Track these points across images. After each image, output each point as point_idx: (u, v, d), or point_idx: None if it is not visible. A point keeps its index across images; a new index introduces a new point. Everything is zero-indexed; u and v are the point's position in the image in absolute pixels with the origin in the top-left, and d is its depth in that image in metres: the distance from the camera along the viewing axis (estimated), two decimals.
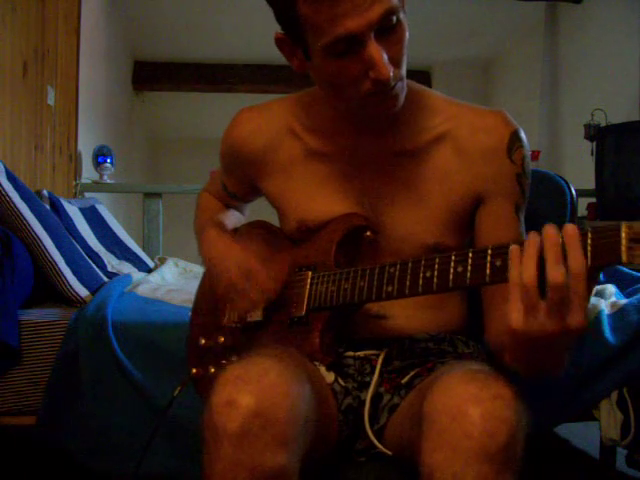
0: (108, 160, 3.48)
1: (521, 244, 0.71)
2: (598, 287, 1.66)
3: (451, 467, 0.70)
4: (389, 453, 0.92)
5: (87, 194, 3.34)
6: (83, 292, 1.76)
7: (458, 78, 5.73)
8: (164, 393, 1.43)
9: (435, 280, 0.79)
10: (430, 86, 5.54)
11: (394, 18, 0.82)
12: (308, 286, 0.96)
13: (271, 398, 0.74)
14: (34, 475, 1.73)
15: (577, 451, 2.08)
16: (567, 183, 1.43)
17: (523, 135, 0.97)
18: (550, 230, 0.68)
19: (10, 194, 1.75)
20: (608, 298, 1.57)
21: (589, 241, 0.66)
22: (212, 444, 0.73)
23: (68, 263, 1.79)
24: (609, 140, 3.26)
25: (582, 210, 3.40)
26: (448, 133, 0.97)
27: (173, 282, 2.24)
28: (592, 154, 3.65)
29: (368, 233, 0.99)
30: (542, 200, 1.30)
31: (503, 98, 5.61)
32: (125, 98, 5.30)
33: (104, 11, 4.04)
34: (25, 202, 1.79)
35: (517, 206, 0.96)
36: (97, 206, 2.70)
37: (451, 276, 0.77)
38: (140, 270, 2.42)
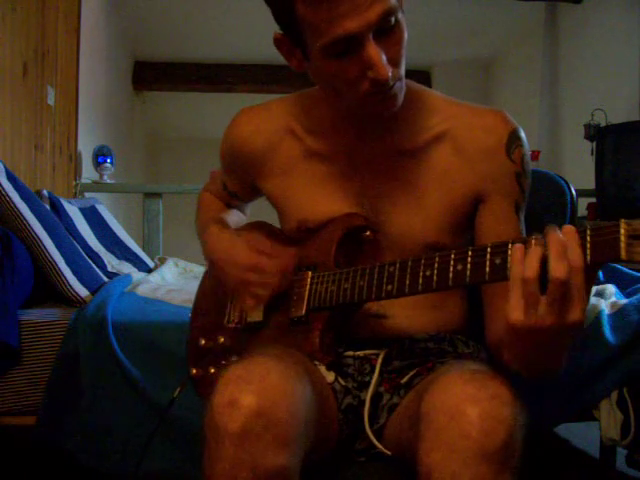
0: (108, 160, 3.49)
1: (523, 241, 0.71)
2: (598, 287, 1.66)
3: (449, 467, 0.70)
4: (388, 453, 0.92)
5: (87, 194, 3.34)
6: (83, 292, 1.76)
7: (458, 78, 5.73)
8: (164, 393, 1.43)
9: (435, 278, 0.79)
10: (430, 86, 5.54)
11: (392, 19, 0.82)
12: (308, 286, 0.96)
13: (272, 398, 0.74)
14: (34, 475, 1.73)
15: (577, 451, 2.08)
16: (567, 183, 1.43)
17: (522, 134, 0.97)
18: (552, 230, 0.69)
19: (10, 194, 1.75)
20: (608, 298, 1.57)
21: (588, 238, 0.66)
22: (213, 444, 0.73)
23: (68, 263, 1.79)
24: (609, 140, 3.26)
25: (582, 210, 3.40)
26: (447, 132, 0.97)
27: (173, 282, 2.24)
28: (592, 154, 3.65)
29: (368, 233, 0.99)
30: (542, 200, 1.30)
31: (503, 98, 5.61)
32: (125, 98, 5.30)
33: (104, 11, 4.04)
34: (25, 202, 1.79)
35: (517, 205, 0.97)
36: (97, 206, 2.70)
37: (451, 274, 0.78)
38: (140, 270, 2.42)
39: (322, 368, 0.97)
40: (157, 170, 7.59)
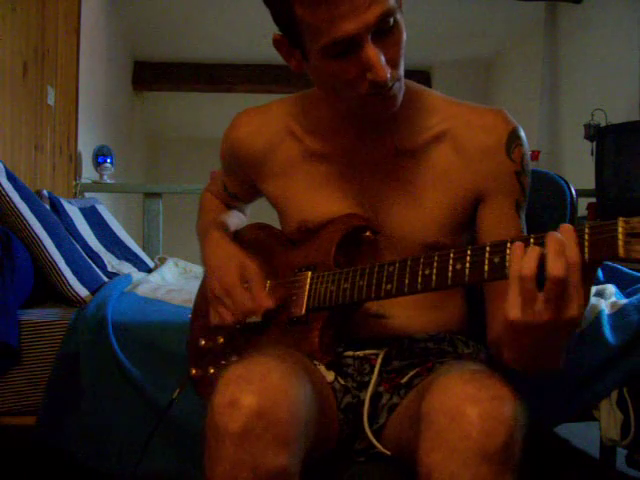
0: (108, 160, 3.49)
1: (522, 240, 0.71)
2: (598, 287, 1.66)
3: (449, 467, 0.70)
4: (388, 453, 0.93)
5: (87, 194, 3.34)
6: (83, 292, 1.76)
7: (458, 78, 5.73)
8: (164, 393, 1.43)
9: (434, 278, 0.80)
10: (430, 86, 5.54)
11: (391, 20, 0.82)
12: (308, 286, 0.97)
13: (273, 398, 0.74)
14: (34, 475, 1.73)
15: (577, 451, 2.08)
16: (567, 183, 1.43)
17: (522, 133, 0.97)
18: (551, 231, 0.69)
19: (10, 194, 1.75)
20: (608, 298, 1.57)
21: (586, 236, 0.67)
22: (214, 444, 0.73)
23: (68, 263, 1.79)
24: (609, 140, 3.25)
25: (582, 210, 3.40)
26: (447, 132, 0.97)
27: (173, 282, 2.24)
28: (592, 154, 3.65)
29: (368, 233, 0.99)
30: (542, 200, 1.30)
31: (503, 98, 5.61)
32: (125, 98, 5.30)
33: (104, 11, 4.04)
34: (25, 202, 1.79)
35: (517, 204, 0.97)
36: (97, 206, 2.70)
37: (450, 273, 0.78)
38: (140, 270, 2.42)
39: (322, 367, 0.97)
40: (157, 170, 7.59)
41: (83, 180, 3.43)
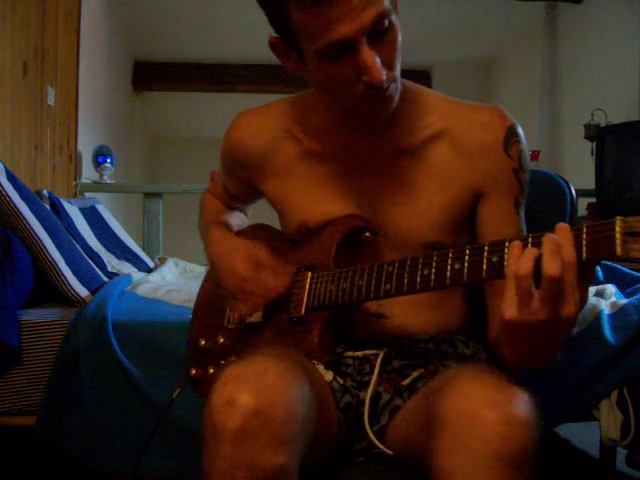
0: (108, 160, 3.49)
1: (520, 239, 0.72)
2: (598, 287, 1.66)
3: (467, 470, 0.70)
4: (390, 453, 0.93)
5: (87, 194, 3.34)
6: (83, 292, 1.76)
7: (458, 78, 5.73)
8: (164, 393, 1.42)
9: (433, 277, 0.80)
10: (430, 86, 5.54)
11: (386, 21, 0.83)
12: (307, 286, 0.97)
13: (270, 397, 0.74)
14: (34, 475, 1.73)
15: (577, 451, 2.08)
16: (567, 183, 1.43)
17: (520, 130, 0.97)
18: (548, 231, 0.70)
19: (10, 194, 1.75)
20: (608, 298, 1.57)
21: (584, 235, 0.67)
22: (211, 443, 0.74)
23: (68, 263, 1.79)
24: (609, 140, 3.25)
25: (582, 210, 3.40)
26: (445, 130, 0.97)
27: (173, 282, 2.24)
28: (592, 154, 3.65)
29: (367, 234, 0.99)
30: (542, 200, 1.30)
31: (503, 98, 5.61)
32: (125, 98, 5.30)
33: (104, 11, 4.04)
34: (25, 202, 1.79)
35: (516, 201, 0.97)
36: (97, 206, 2.71)
37: (448, 273, 0.78)
38: (140, 270, 2.43)
39: (320, 367, 0.97)
40: (157, 170, 7.59)
41: (83, 180, 3.43)
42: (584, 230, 0.67)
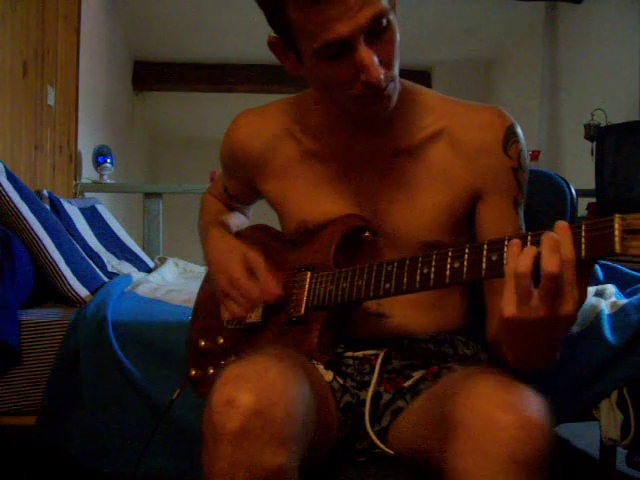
0: (108, 160, 3.48)
1: (519, 238, 0.72)
2: (598, 287, 1.66)
3: (482, 473, 0.70)
4: (391, 452, 0.93)
5: (87, 194, 3.34)
6: (83, 292, 1.76)
7: (458, 78, 5.73)
8: (164, 393, 1.43)
9: (432, 276, 0.80)
10: (430, 86, 5.54)
11: (384, 21, 0.83)
12: (307, 286, 0.97)
13: (271, 397, 0.74)
14: (34, 475, 1.73)
15: (577, 451, 2.08)
16: (567, 183, 1.43)
17: (519, 129, 0.97)
18: (547, 230, 0.70)
19: (10, 194, 1.75)
20: (608, 298, 1.57)
21: (583, 233, 0.67)
22: (211, 443, 0.73)
23: (68, 263, 1.79)
24: (609, 140, 3.25)
25: (582, 210, 3.40)
26: (444, 130, 0.97)
27: (173, 282, 2.24)
28: (592, 154, 3.65)
29: (367, 234, 0.99)
30: (542, 200, 1.31)
31: (503, 98, 5.61)
32: (125, 98, 5.30)
33: (104, 11, 4.04)
34: (25, 202, 1.79)
35: (515, 200, 0.97)
36: (97, 206, 2.70)
37: (448, 272, 0.78)
38: (140, 270, 2.42)
39: (320, 367, 0.97)
40: (157, 170, 7.59)
41: (83, 180, 3.43)
42: (583, 228, 0.67)
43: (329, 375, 0.97)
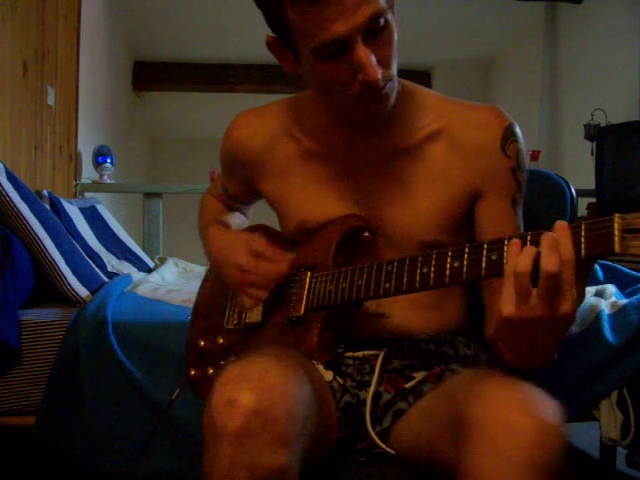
0: (108, 160, 3.49)
1: (519, 237, 0.72)
2: (598, 287, 1.66)
3: (499, 476, 0.70)
4: (392, 452, 0.93)
5: (87, 194, 3.34)
6: (83, 292, 1.76)
7: (458, 78, 5.73)
8: (164, 393, 1.43)
9: (432, 275, 0.80)
10: (430, 86, 5.54)
11: (381, 20, 0.83)
12: (307, 286, 0.97)
13: (271, 397, 0.74)
14: (34, 475, 1.73)
15: (577, 451, 2.08)
16: (567, 183, 1.43)
17: (517, 129, 0.97)
18: (546, 230, 0.71)
19: (10, 194, 1.75)
20: (608, 298, 1.57)
21: (583, 233, 0.67)
22: (212, 443, 0.73)
23: (68, 263, 1.79)
24: (609, 140, 3.25)
25: (582, 210, 3.40)
26: (442, 130, 0.97)
27: (173, 282, 2.24)
28: (592, 154, 3.65)
29: (366, 234, 0.99)
30: (542, 200, 1.30)
31: (503, 98, 5.61)
32: (125, 98, 5.30)
33: (104, 11, 4.04)
34: (25, 202, 1.79)
35: (514, 200, 0.97)
36: (97, 206, 2.71)
37: (448, 271, 0.78)
38: (140, 270, 2.42)
39: (320, 367, 0.97)
40: (157, 170, 7.59)
41: (83, 180, 3.43)
42: (583, 227, 0.67)
43: (329, 375, 0.97)
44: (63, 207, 2.27)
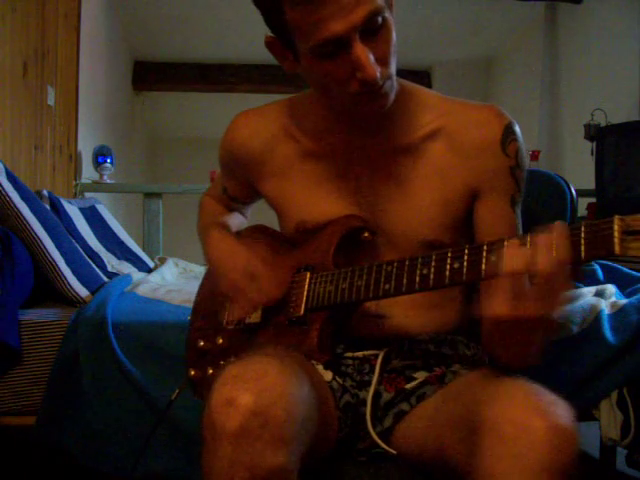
0: (108, 160, 3.48)
1: (519, 238, 0.73)
2: (598, 287, 1.66)
3: (513, 477, 0.70)
4: (393, 452, 0.93)
5: (87, 194, 3.34)
6: (83, 292, 1.76)
7: (458, 78, 5.72)
8: (164, 393, 1.43)
9: (432, 276, 0.80)
10: (430, 86, 5.54)
11: (379, 18, 0.83)
12: (307, 286, 0.97)
13: (270, 397, 0.74)
14: (34, 475, 1.73)
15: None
16: (567, 183, 1.43)
17: (517, 128, 0.97)
18: (544, 229, 0.71)
19: (10, 194, 1.75)
20: (608, 298, 1.57)
21: (582, 234, 0.67)
22: (211, 443, 0.74)
23: (68, 263, 1.79)
24: (609, 140, 3.25)
25: (582, 210, 3.39)
26: (442, 129, 0.97)
27: (173, 282, 2.24)
28: (592, 154, 3.65)
29: (366, 234, 0.99)
30: (542, 200, 1.31)
31: (503, 98, 5.60)
32: (125, 98, 5.30)
33: (104, 11, 4.04)
34: (25, 202, 1.79)
35: (513, 199, 0.97)
36: (97, 206, 2.70)
37: (447, 272, 0.78)
38: (140, 270, 2.42)
39: (319, 367, 0.97)
40: (157, 170, 7.59)
41: (83, 180, 3.43)
42: (582, 229, 0.67)
43: (328, 375, 0.97)
44: (63, 207, 2.27)
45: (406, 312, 1.00)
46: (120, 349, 1.52)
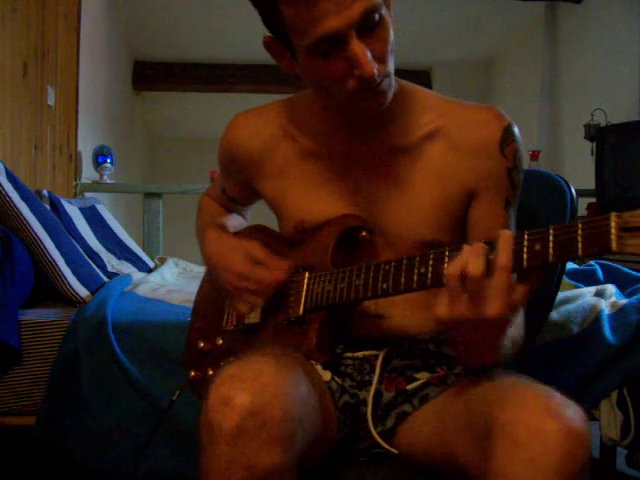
0: (108, 160, 3.49)
1: (486, 243, 0.75)
2: (598, 287, 1.66)
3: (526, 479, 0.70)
4: (395, 452, 0.93)
5: (87, 194, 3.34)
6: (83, 292, 1.76)
7: (458, 78, 5.73)
8: (164, 393, 1.43)
9: (429, 275, 0.80)
10: (430, 86, 5.55)
11: (376, 15, 0.82)
12: (305, 286, 0.97)
13: (266, 397, 0.74)
14: (34, 475, 1.73)
15: None
16: (567, 183, 1.42)
17: (516, 129, 0.97)
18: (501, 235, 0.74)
19: (10, 194, 1.75)
20: (608, 298, 1.57)
21: (580, 232, 0.67)
22: (208, 443, 0.74)
23: (68, 263, 1.79)
24: (609, 140, 3.25)
25: (582, 210, 3.40)
26: (441, 130, 0.97)
27: (173, 282, 2.24)
28: (592, 154, 3.65)
29: (364, 233, 0.99)
30: (542, 200, 1.30)
31: (503, 98, 5.61)
32: (125, 98, 5.30)
33: (104, 11, 4.05)
34: (25, 202, 1.79)
35: (507, 201, 0.96)
36: (97, 206, 2.71)
37: (444, 271, 0.78)
38: (140, 270, 2.43)
39: (318, 367, 0.97)
40: (157, 170, 7.59)
41: (83, 180, 3.43)
42: (579, 227, 0.67)
43: (327, 375, 0.97)
44: (63, 207, 2.27)
45: (404, 312, 1.00)
46: (120, 349, 1.52)
